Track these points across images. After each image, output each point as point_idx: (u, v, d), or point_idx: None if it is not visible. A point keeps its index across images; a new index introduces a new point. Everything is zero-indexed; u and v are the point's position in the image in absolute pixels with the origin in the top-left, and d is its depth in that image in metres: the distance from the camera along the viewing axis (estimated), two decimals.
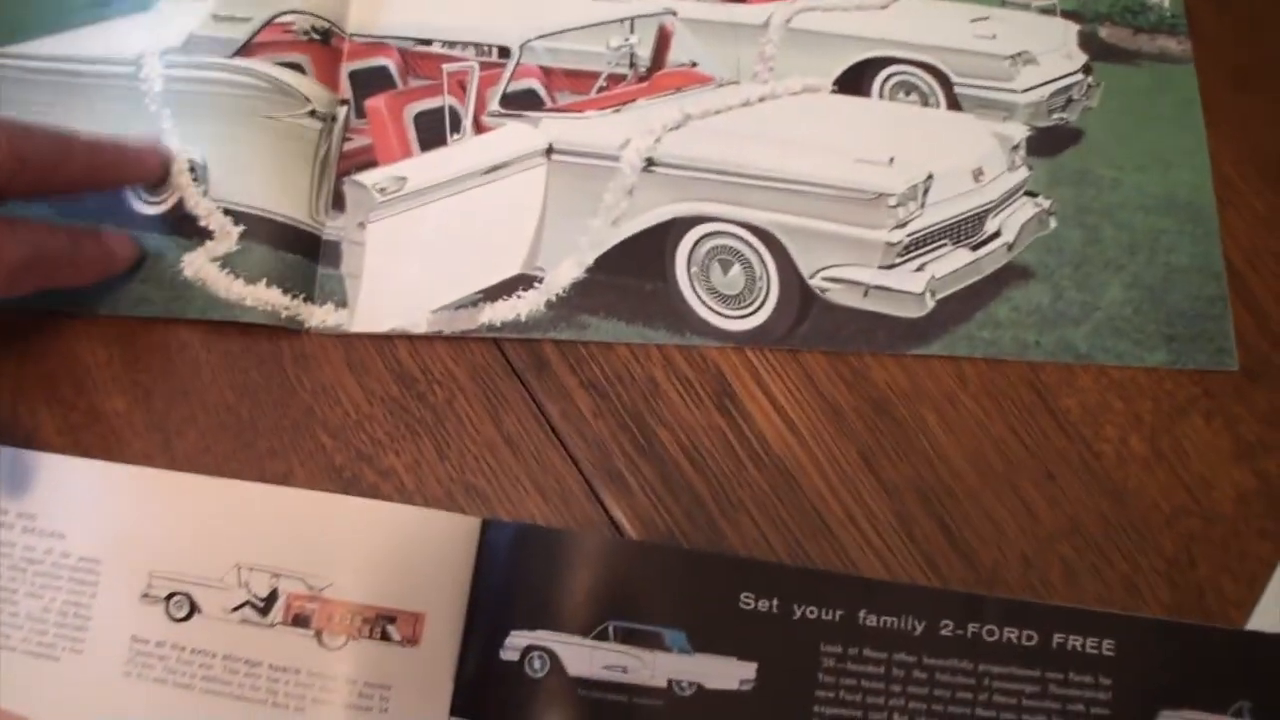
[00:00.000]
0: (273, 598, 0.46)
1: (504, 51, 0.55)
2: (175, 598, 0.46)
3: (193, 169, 0.51)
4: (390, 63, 0.55)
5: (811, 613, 0.47)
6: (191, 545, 0.47)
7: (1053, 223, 0.54)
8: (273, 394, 0.50)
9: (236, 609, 0.46)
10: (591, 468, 0.50)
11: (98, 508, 0.48)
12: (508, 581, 0.47)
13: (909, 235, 0.52)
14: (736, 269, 0.52)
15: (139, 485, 0.48)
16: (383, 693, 0.45)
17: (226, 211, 0.51)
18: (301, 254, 0.51)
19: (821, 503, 0.50)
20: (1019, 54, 0.56)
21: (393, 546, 0.47)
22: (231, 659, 0.46)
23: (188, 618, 0.46)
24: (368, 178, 0.52)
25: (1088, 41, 0.58)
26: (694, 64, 0.57)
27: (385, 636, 0.46)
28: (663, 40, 0.57)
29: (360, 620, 0.46)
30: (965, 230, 0.53)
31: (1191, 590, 0.50)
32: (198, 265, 0.50)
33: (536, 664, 0.45)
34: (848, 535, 0.49)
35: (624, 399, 0.50)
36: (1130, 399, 0.52)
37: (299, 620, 0.46)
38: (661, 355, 0.51)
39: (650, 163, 0.52)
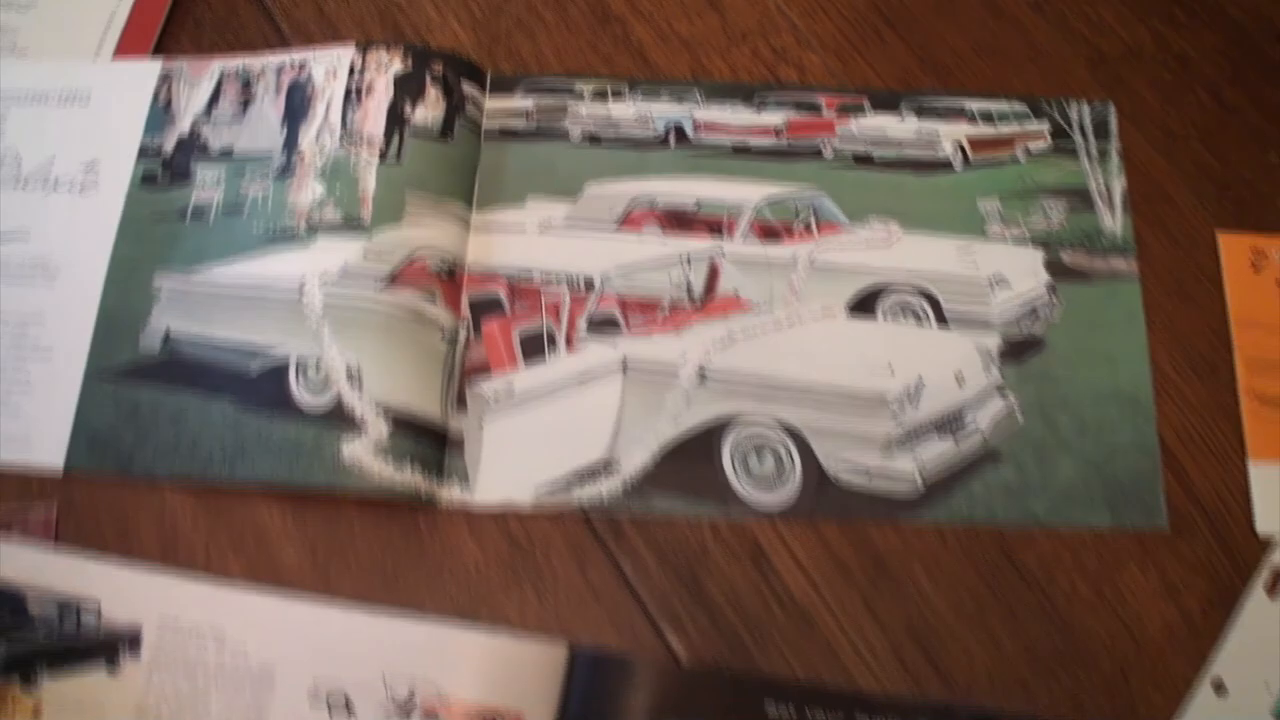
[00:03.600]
0: (411, 700, 0.58)
1: (589, 283, 0.68)
2: (333, 699, 0.59)
3: (349, 373, 0.63)
4: (501, 292, 0.68)
5: (819, 716, 0.59)
6: (348, 660, 0.59)
7: (1019, 417, 0.66)
8: (411, 552, 0.63)
9: (383, 708, 0.58)
10: (656, 611, 0.62)
11: (276, 630, 0.60)
12: (589, 690, 0.58)
13: (904, 430, 0.65)
14: (769, 458, 0.65)
15: (306, 613, 0.60)
16: None
17: (377, 408, 0.63)
18: (434, 443, 0.63)
19: (833, 638, 0.62)
20: (994, 277, 0.69)
21: (501, 663, 0.59)
22: None
23: (345, 711, 0.58)
24: (486, 388, 0.65)
25: (1052, 264, 0.70)
26: (737, 292, 0.70)
27: None
28: (713, 274, 0.70)
29: (475, 716, 0.58)
30: (949, 424, 0.66)
31: (1125, 702, 0.62)
32: (355, 451, 0.62)
33: None
34: (852, 662, 0.61)
35: (681, 559, 0.63)
36: (1078, 553, 0.64)
37: (429, 716, 0.58)
38: (710, 525, 0.64)
39: (703, 373, 0.65)
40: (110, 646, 0.60)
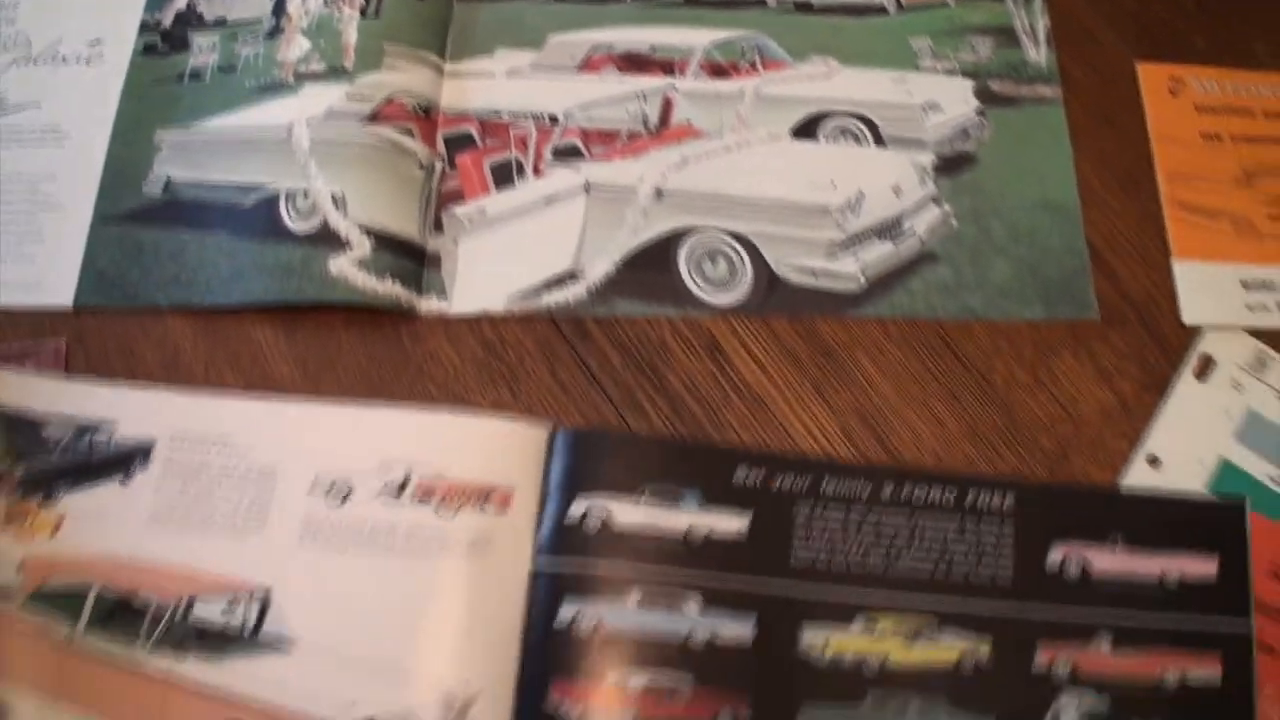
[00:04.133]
0: (405, 483, 0.63)
1: (554, 119, 0.74)
2: (334, 488, 0.64)
3: (334, 199, 0.69)
4: (472, 129, 0.74)
5: (787, 483, 0.63)
6: (345, 454, 0.64)
7: (954, 222, 0.72)
8: (394, 360, 0.68)
9: (379, 493, 0.63)
10: (620, 401, 0.67)
11: (276, 433, 0.65)
12: (571, 464, 0.63)
13: (846, 235, 0.71)
14: (722, 262, 0.70)
15: (304, 414, 0.66)
16: (485, 546, 0.62)
17: (360, 229, 0.69)
18: (413, 259, 0.69)
19: (787, 421, 0.67)
20: (927, 103, 0.75)
21: (490, 443, 0.64)
22: (376, 528, 0.62)
23: (344, 502, 0.63)
24: (460, 211, 0.71)
25: (981, 92, 0.76)
26: (689, 122, 0.76)
27: (485, 506, 0.63)
28: (667, 107, 0.76)
29: (467, 496, 0.63)
30: (888, 229, 0.72)
31: (1066, 475, 0.66)
32: (340, 266, 0.67)
33: (594, 520, 0.62)
34: (806, 444, 0.66)
35: (642, 354, 0.68)
36: (1015, 343, 0.69)
37: (424, 498, 0.63)
38: (668, 323, 0.69)
39: (659, 192, 0.71)
40: (123, 462, 0.65)
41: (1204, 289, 0.72)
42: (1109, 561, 0.63)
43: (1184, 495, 0.66)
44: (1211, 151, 0.75)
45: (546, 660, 0.60)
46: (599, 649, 0.60)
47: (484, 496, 0.63)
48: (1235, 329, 0.71)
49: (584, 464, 0.64)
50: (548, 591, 0.61)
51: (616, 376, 0.68)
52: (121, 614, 0.61)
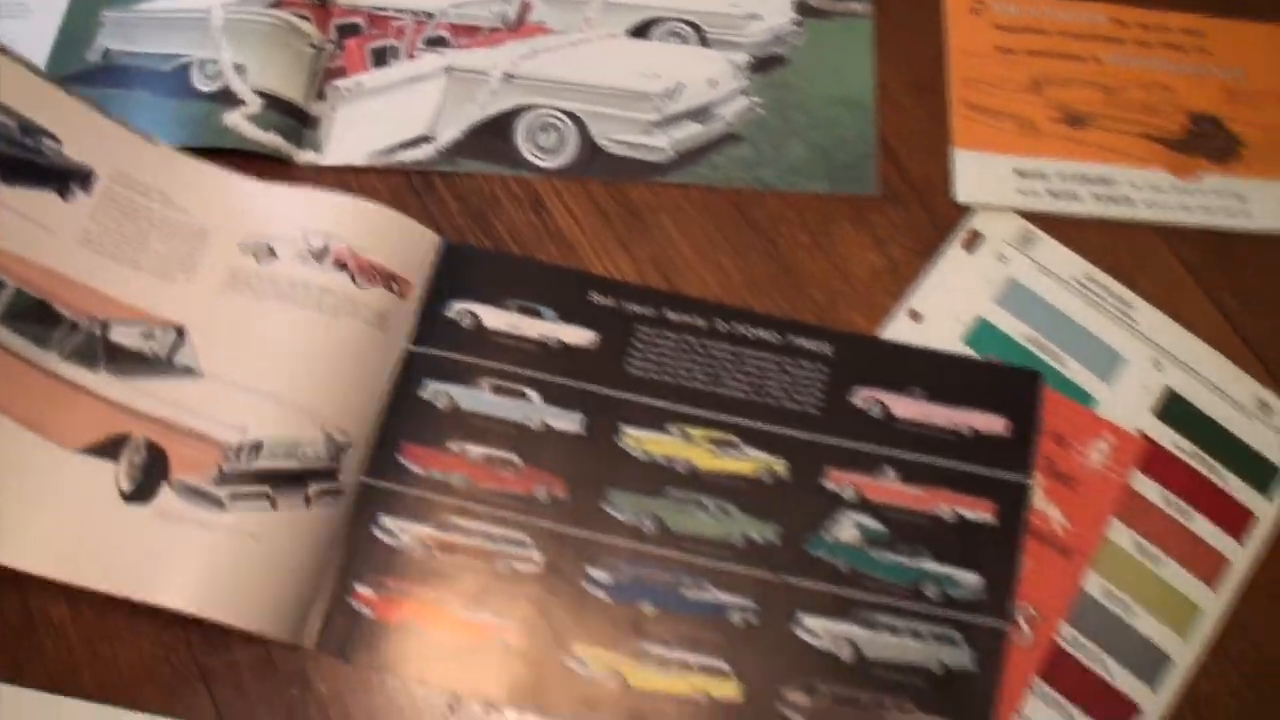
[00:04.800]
0: (325, 250, 0.73)
1: (429, 15, 0.86)
2: (261, 248, 0.73)
3: (236, 68, 0.81)
4: (360, 20, 0.86)
5: (634, 309, 0.75)
6: (273, 221, 0.73)
7: (760, 111, 0.83)
8: None
9: (302, 256, 0.72)
10: (454, 240, 0.78)
11: (215, 198, 0.74)
12: (454, 270, 0.76)
13: (662, 116, 0.82)
14: (553, 133, 0.82)
15: (242, 185, 0.76)
16: (384, 321, 0.72)
17: (254, 91, 0.81)
18: (296, 119, 0.81)
19: (591, 264, 0.77)
20: (749, 13, 0.86)
21: (396, 235, 0.75)
22: (295, 283, 0.71)
23: (268, 259, 0.73)
24: (341, 84, 0.83)
25: (801, 6, 0.86)
26: (543, 22, 0.87)
27: (391, 286, 0.73)
28: (524, 8, 0.87)
29: (377, 275, 0.73)
30: (700, 114, 0.83)
31: (831, 321, 0.76)
32: (234, 119, 0.79)
33: (467, 320, 0.75)
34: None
35: (476, 205, 0.79)
36: (801, 212, 0.79)
37: (341, 266, 0.72)
38: (501, 181, 0.80)
39: (508, 76, 0.83)
40: (64, 176, 0.71)
41: (980, 174, 0.81)
42: (908, 408, 0.73)
43: (988, 361, 0.75)
44: (1005, 63, 0.85)
45: (404, 426, 0.72)
46: (449, 423, 0.72)
47: (390, 279, 0.74)
48: (1006, 210, 0.80)
49: (465, 272, 0.76)
50: (417, 371, 0.73)
51: (453, 221, 0.79)
52: (40, 316, 0.68)
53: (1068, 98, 0.84)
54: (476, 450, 0.71)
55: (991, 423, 0.73)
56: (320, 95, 0.83)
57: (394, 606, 0.68)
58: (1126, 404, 0.76)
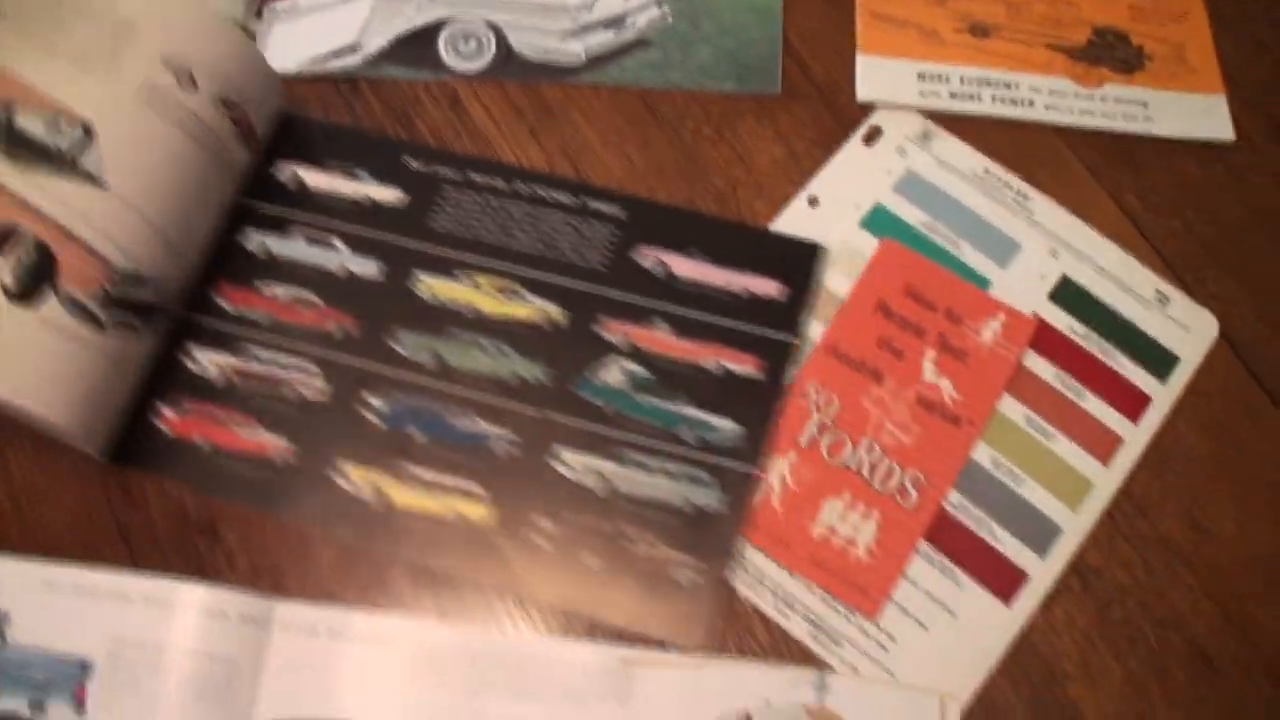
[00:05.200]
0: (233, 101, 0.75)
1: None
2: (184, 73, 0.72)
3: None
4: None
5: (443, 172, 0.80)
6: (193, 45, 0.72)
7: (670, 19, 0.87)
8: None
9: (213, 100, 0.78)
10: (375, 135, 0.83)
11: None
12: (283, 136, 0.81)
13: (578, 26, 0.87)
14: (474, 41, 0.87)
15: None
16: (237, 175, 0.76)
17: None
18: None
19: (503, 155, 0.81)
20: None
21: (269, 98, 0.79)
22: (199, 120, 0.71)
23: (192, 86, 0.79)
24: (279, 4, 0.89)
25: None
26: None
27: (249, 147, 0.76)
28: None
29: (251, 134, 0.77)
30: (613, 23, 0.87)
31: (733, 206, 0.79)
32: None
33: (292, 179, 0.79)
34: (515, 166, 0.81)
35: (397, 103, 0.83)
36: (706, 107, 0.82)
37: (235, 121, 0.74)
38: (423, 85, 0.84)
39: None
40: None
41: (882, 76, 0.84)
42: (688, 268, 0.77)
43: (776, 233, 0.79)
44: None
45: (224, 267, 0.77)
46: (263, 267, 0.77)
47: (253, 139, 0.78)
48: (907, 109, 0.83)
49: (293, 138, 0.81)
50: (237, 220, 0.78)
51: (376, 120, 0.84)
52: None
53: (972, 9, 0.87)
54: (283, 291, 0.76)
55: (767, 286, 0.76)
56: (258, 15, 0.88)
57: (190, 425, 0.72)
58: (1022, 288, 0.78)
